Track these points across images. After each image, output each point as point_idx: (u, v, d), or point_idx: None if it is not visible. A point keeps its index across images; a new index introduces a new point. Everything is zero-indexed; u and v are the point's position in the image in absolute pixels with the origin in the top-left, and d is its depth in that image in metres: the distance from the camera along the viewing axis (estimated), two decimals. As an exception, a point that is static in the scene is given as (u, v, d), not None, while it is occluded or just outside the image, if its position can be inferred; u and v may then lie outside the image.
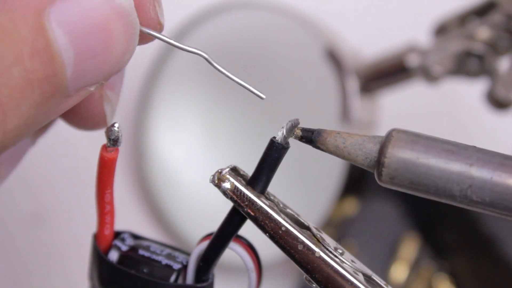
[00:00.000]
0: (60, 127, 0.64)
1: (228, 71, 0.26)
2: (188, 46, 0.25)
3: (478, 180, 0.22)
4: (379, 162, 0.23)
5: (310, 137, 0.25)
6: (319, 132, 0.25)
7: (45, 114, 0.23)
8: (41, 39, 0.22)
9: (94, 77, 0.24)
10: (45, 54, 0.22)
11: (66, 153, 0.64)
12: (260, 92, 0.25)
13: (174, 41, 0.25)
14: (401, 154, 0.23)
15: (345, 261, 0.25)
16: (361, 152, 0.24)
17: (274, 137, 0.25)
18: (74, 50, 0.22)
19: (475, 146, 0.23)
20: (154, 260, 0.27)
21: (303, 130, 0.25)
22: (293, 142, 0.26)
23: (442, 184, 0.23)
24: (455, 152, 0.23)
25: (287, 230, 0.25)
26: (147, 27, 0.25)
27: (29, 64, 0.21)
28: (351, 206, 0.59)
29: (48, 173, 0.63)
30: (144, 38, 0.25)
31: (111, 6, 0.23)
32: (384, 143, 0.23)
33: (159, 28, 0.25)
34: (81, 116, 0.29)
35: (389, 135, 0.24)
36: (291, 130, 0.25)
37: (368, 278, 0.26)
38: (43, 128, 0.31)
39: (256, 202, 0.25)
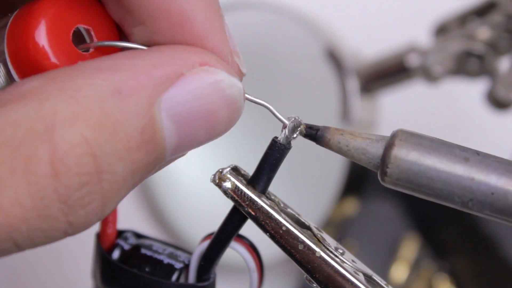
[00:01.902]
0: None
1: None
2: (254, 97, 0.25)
3: (479, 195, 0.22)
4: (383, 164, 0.23)
5: (314, 135, 0.25)
6: (322, 132, 0.25)
7: (138, 182, 0.23)
8: (150, 130, 0.21)
9: (190, 149, 0.23)
10: (151, 144, 0.21)
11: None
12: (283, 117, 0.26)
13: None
14: (405, 156, 0.23)
15: (346, 261, 0.25)
16: (364, 157, 0.24)
17: (276, 137, 0.25)
18: (178, 137, 0.22)
19: (478, 153, 0.23)
20: (156, 259, 0.28)
21: (307, 127, 0.25)
22: (293, 142, 0.26)
23: (443, 193, 0.23)
24: (457, 162, 0.23)
25: (288, 229, 0.25)
26: None
27: (135, 156, 0.21)
28: (351, 206, 0.59)
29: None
30: None
31: (221, 96, 0.22)
32: (389, 145, 0.23)
33: (241, 78, 0.25)
34: None
35: (393, 137, 0.24)
36: (293, 130, 0.25)
37: (368, 278, 0.26)
38: None
39: (256, 201, 0.25)
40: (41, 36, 0.22)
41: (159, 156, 0.22)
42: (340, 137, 0.25)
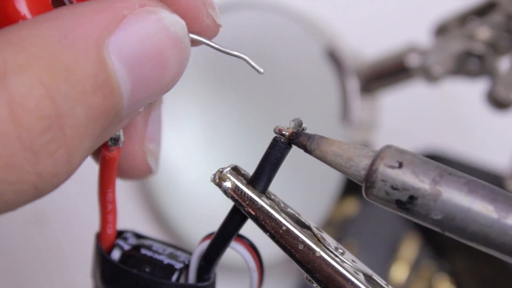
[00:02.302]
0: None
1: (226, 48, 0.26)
2: (232, 50, 0.25)
3: (456, 224, 0.22)
4: (366, 180, 0.23)
5: (304, 145, 0.25)
6: (311, 148, 0.25)
7: (101, 142, 0.23)
8: (103, 73, 0.21)
9: (146, 101, 0.24)
10: (107, 88, 0.22)
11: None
12: (259, 66, 0.26)
13: (221, 47, 0.25)
14: (389, 172, 0.23)
15: (346, 261, 0.25)
16: (349, 170, 0.24)
17: (277, 136, 0.25)
18: (131, 81, 0.22)
19: (465, 178, 0.23)
20: (156, 259, 0.27)
21: (295, 135, 0.25)
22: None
23: (422, 212, 0.23)
24: (440, 184, 0.22)
25: (288, 229, 0.25)
26: (206, 33, 0.25)
27: (92, 100, 0.21)
28: (351, 206, 0.59)
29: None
30: (194, 42, 0.25)
31: (166, 34, 0.23)
32: (375, 161, 0.23)
33: (217, 29, 0.25)
34: (127, 172, 0.29)
35: (380, 153, 0.23)
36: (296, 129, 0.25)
37: (368, 278, 0.26)
38: None
39: (257, 201, 0.25)
40: (21, 5, 0.22)
41: (117, 102, 0.22)
42: (331, 148, 0.25)
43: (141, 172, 0.29)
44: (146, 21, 0.22)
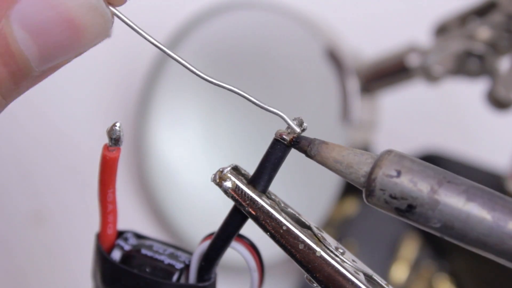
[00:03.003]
0: (60, 127, 0.65)
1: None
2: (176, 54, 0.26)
3: (455, 232, 0.22)
4: (368, 185, 0.23)
5: (305, 150, 0.25)
6: (312, 154, 0.25)
7: (15, 96, 0.24)
8: (3, 43, 0.23)
9: (64, 58, 0.24)
10: (7, 56, 0.23)
11: (66, 153, 0.64)
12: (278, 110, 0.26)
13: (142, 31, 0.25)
14: (387, 181, 0.23)
15: (346, 260, 0.25)
16: (351, 175, 0.24)
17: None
18: (37, 45, 0.23)
19: (464, 185, 0.23)
20: (156, 259, 0.27)
21: (296, 140, 0.25)
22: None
23: (421, 220, 0.23)
24: (438, 193, 0.22)
25: (288, 229, 0.25)
26: None
27: None
28: (351, 206, 0.59)
29: (48, 173, 0.63)
30: None
31: (76, 3, 0.23)
32: (376, 165, 0.23)
33: None
34: None
35: (381, 157, 0.23)
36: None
37: (369, 278, 0.26)
38: None
39: (257, 201, 0.25)
40: None
41: (23, 67, 0.23)
42: (332, 154, 0.25)
43: None
44: None
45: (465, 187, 0.22)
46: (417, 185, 0.22)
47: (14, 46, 0.23)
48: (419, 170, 0.23)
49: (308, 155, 0.25)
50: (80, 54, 0.25)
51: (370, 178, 0.23)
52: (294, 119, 0.25)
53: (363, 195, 0.24)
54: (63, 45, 0.24)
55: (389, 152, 0.23)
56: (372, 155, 0.24)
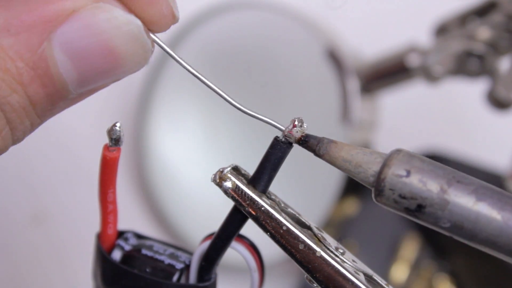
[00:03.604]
0: (60, 127, 0.65)
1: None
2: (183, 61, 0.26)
3: (465, 232, 0.22)
4: (377, 184, 0.23)
5: (314, 149, 0.25)
6: (320, 153, 0.25)
7: (50, 115, 0.25)
8: (43, 65, 0.23)
9: (102, 83, 0.25)
10: (46, 78, 0.23)
11: (66, 153, 0.64)
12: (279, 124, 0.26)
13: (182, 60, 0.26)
14: (397, 181, 0.23)
15: (346, 260, 0.25)
16: (360, 175, 0.24)
17: (278, 136, 0.25)
18: (77, 70, 0.23)
19: (474, 185, 0.23)
20: (157, 259, 0.28)
21: (305, 139, 0.25)
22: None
23: (431, 220, 0.23)
24: (447, 193, 0.22)
25: (288, 229, 0.25)
26: (161, 22, 0.25)
27: (29, 89, 0.23)
28: (351, 206, 0.59)
29: (48, 173, 0.63)
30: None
31: (118, 32, 0.23)
32: (385, 164, 0.23)
33: (174, 21, 0.25)
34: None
35: (390, 156, 0.23)
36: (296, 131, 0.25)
37: (369, 278, 0.26)
38: None
39: (257, 201, 0.25)
40: None
41: (61, 89, 0.24)
42: (340, 153, 0.24)
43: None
44: (96, 17, 0.23)
45: (474, 187, 0.22)
46: (427, 185, 0.22)
47: (54, 70, 0.23)
48: (429, 170, 0.23)
49: (316, 154, 0.25)
50: (118, 80, 0.25)
51: (379, 177, 0.23)
52: (295, 119, 0.25)
53: (372, 195, 0.23)
54: (102, 72, 0.24)
55: (398, 151, 0.23)
56: (382, 154, 0.24)
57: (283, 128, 0.25)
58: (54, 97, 0.24)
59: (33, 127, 0.24)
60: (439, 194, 0.22)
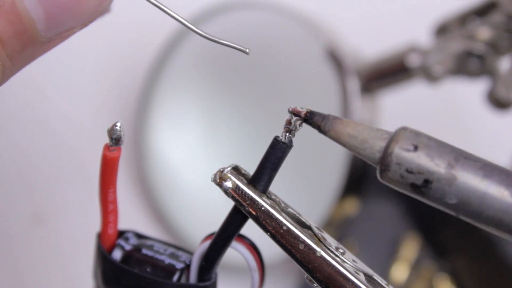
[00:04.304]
0: (60, 127, 0.65)
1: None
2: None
3: (471, 209, 0.22)
4: (382, 161, 0.23)
5: (319, 126, 0.25)
6: (326, 129, 0.25)
7: (23, 61, 0.25)
8: (7, 1, 0.23)
9: (65, 27, 0.25)
10: (12, 14, 0.23)
11: (66, 153, 0.64)
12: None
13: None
14: (404, 155, 0.23)
15: (346, 260, 0.25)
16: (365, 152, 0.24)
17: (278, 136, 0.25)
18: (42, 7, 0.24)
19: (481, 162, 0.22)
20: (157, 259, 0.28)
21: (310, 115, 0.25)
22: (295, 141, 0.26)
23: (437, 196, 0.22)
24: (455, 168, 0.22)
25: (289, 229, 0.25)
26: None
27: None
28: (351, 206, 0.59)
29: (48, 173, 0.63)
30: None
31: None
32: (391, 141, 0.23)
33: None
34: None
35: (396, 134, 0.23)
36: (293, 125, 0.25)
37: (369, 278, 0.26)
38: None
39: (257, 201, 0.25)
40: None
41: (29, 28, 0.24)
42: (346, 129, 0.24)
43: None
44: None
45: (481, 163, 0.22)
46: (434, 159, 0.22)
47: (20, 6, 0.23)
48: (436, 146, 0.22)
49: (321, 130, 0.25)
50: (84, 24, 0.25)
51: (386, 152, 0.23)
52: (289, 109, 0.25)
53: (377, 172, 0.23)
54: (67, 9, 0.24)
55: (404, 128, 0.23)
56: (387, 131, 0.24)
57: (247, 51, 0.25)
58: (23, 37, 0.24)
59: (5, 70, 0.24)
60: (447, 169, 0.22)
